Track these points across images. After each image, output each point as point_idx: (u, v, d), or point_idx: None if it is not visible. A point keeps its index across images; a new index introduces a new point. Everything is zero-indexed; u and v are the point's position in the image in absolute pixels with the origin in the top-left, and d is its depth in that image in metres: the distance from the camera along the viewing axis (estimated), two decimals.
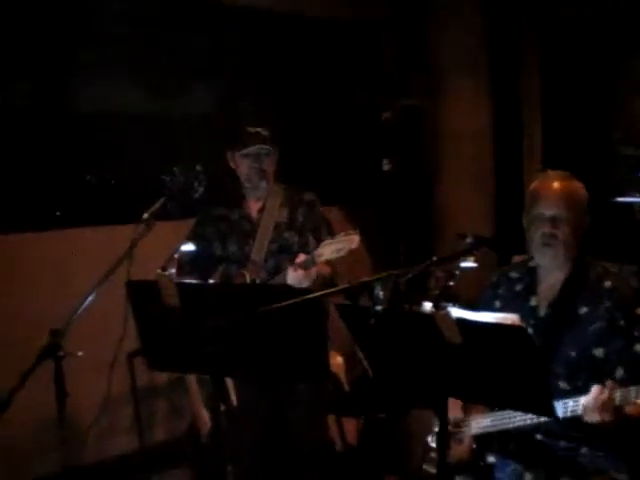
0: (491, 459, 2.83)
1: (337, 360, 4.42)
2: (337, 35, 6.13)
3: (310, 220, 3.63)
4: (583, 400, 2.52)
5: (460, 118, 6.19)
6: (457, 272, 2.33)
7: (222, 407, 4.32)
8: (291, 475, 3.75)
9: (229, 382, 4.44)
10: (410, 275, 2.19)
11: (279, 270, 3.52)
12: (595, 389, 2.50)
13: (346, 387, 4.19)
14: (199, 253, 3.67)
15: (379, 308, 2.21)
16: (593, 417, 2.49)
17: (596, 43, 6.15)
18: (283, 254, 3.58)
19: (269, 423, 3.73)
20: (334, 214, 4.81)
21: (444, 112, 6.23)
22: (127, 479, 4.56)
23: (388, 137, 6.02)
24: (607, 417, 2.46)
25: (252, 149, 3.58)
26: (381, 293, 2.15)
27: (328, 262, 3.38)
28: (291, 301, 2.20)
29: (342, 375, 4.45)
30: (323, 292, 2.26)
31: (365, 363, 2.43)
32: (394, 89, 6.11)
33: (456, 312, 2.18)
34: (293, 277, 3.35)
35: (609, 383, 2.50)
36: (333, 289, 2.27)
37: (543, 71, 6.54)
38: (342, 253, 3.18)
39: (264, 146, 3.58)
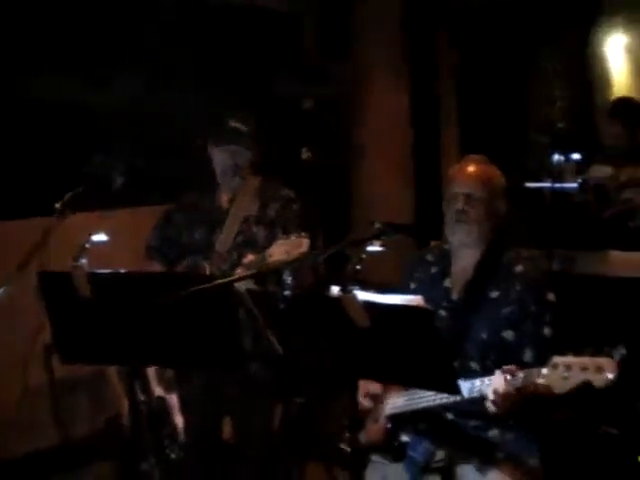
0: (404, 438, 2.88)
1: None
2: (259, 23, 6.13)
3: (282, 216, 3.54)
4: (487, 381, 2.55)
5: (379, 107, 6.27)
6: (364, 256, 2.40)
7: (142, 397, 4.35)
8: (231, 464, 3.73)
9: (150, 372, 4.45)
10: (318, 259, 2.24)
11: (241, 263, 3.42)
12: (497, 379, 2.52)
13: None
14: (167, 239, 3.63)
15: (288, 293, 2.25)
16: (498, 405, 2.52)
17: (508, 34, 6.32)
18: (248, 247, 3.48)
19: (214, 414, 3.67)
20: None
21: (364, 102, 6.31)
22: (48, 475, 4.50)
23: (307, 126, 6.06)
24: (510, 404, 2.50)
25: (225, 147, 3.51)
26: (289, 278, 2.19)
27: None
28: (197, 287, 2.22)
29: None
30: (231, 278, 2.29)
31: (277, 347, 2.47)
32: (315, 78, 6.16)
33: (363, 295, 2.23)
34: None
35: (510, 368, 2.52)
36: (242, 275, 2.30)
37: (459, 63, 6.69)
38: (291, 256, 3.10)
39: (238, 148, 3.50)
